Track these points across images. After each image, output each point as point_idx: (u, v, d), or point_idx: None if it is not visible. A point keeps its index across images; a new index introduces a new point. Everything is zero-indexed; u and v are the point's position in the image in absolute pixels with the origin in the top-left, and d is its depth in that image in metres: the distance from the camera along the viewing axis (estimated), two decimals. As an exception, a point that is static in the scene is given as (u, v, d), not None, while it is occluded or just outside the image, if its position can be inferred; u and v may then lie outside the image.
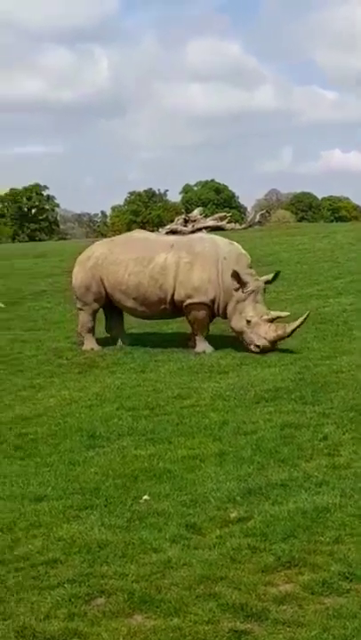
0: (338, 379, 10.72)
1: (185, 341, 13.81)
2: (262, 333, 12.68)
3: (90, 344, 14.00)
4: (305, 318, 12.82)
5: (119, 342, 14.06)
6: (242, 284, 12.77)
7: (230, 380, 11.14)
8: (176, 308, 13.41)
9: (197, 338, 13.34)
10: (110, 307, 14.10)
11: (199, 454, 8.02)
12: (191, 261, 13.18)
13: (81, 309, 14.16)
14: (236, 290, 12.82)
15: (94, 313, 14.08)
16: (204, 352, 13.08)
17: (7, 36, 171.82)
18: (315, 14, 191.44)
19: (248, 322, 12.73)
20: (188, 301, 13.15)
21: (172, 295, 13.23)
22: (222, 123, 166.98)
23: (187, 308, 13.23)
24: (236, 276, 12.75)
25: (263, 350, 12.58)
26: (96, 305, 13.99)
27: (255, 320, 12.71)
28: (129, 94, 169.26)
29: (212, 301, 13.13)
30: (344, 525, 6.16)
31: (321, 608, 5.03)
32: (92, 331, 14.11)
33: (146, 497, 6.96)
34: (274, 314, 12.95)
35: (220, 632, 4.81)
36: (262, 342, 12.65)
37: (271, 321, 12.78)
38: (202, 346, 13.26)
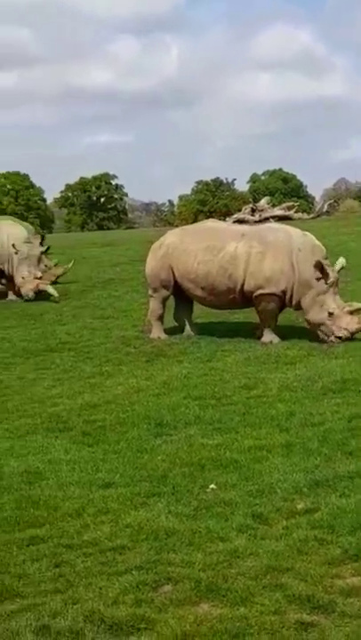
0: None
1: (252, 331, 13.79)
2: (344, 325, 12.66)
3: (157, 332, 14.08)
4: None
5: (186, 331, 14.10)
6: (325, 275, 12.69)
7: (297, 370, 11.09)
8: (245, 298, 13.38)
9: (265, 328, 13.30)
10: (179, 295, 14.15)
11: (266, 445, 8.01)
12: (263, 251, 13.11)
13: (151, 296, 14.27)
14: (318, 280, 12.73)
15: (164, 300, 14.15)
16: (271, 342, 13.04)
17: (78, 26, 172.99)
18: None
19: (330, 314, 12.67)
20: (259, 292, 13.09)
21: (242, 285, 13.19)
22: (291, 111, 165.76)
23: (257, 299, 13.18)
24: (319, 266, 12.68)
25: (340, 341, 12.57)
26: (166, 292, 14.05)
27: (337, 312, 12.68)
28: (197, 83, 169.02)
29: (284, 292, 13.05)
30: None
31: (389, 602, 4.99)
32: (160, 319, 14.18)
33: (213, 486, 6.99)
34: (356, 305, 12.94)
35: (286, 623, 4.81)
36: (344, 333, 12.64)
37: (351, 313, 12.76)
38: (269, 336, 13.22)
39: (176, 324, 14.36)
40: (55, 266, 20.62)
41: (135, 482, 7.20)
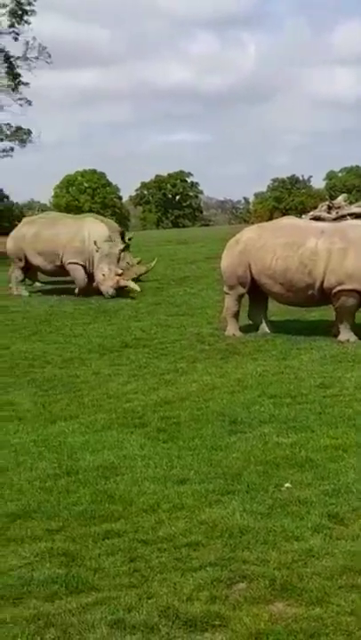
0: None
1: (328, 329, 13.66)
2: None
3: (232, 329, 14.05)
4: None
5: (261, 329, 14.04)
6: None
7: (375, 370, 10.94)
8: (324, 295, 13.25)
9: (342, 326, 13.16)
10: (254, 293, 14.10)
11: (342, 444, 7.91)
12: (345, 247, 12.99)
13: (227, 293, 14.25)
14: None
15: (240, 298, 14.12)
16: (348, 341, 12.90)
17: (156, 24, 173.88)
18: None
19: None
20: (339, 288, 12.96)
21: (322, 281, 13.07)
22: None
23: (336, 295, 13.04)
24: None
25: None
26: (242, 289, 14.02)
27: None
28: (274, 80, 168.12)
29: None
30: None
31: None
32: (236, 316, 14.16)
33: (288, 485, 6.93)
34: None
35: (362, 624, 4.75)
36: None
37: None
38: (346, 334, 13.07)
39: (251, 321, 14.31)
40: (138, 264, 20.71)
41: (210, 479, 7.19)
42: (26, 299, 20.18)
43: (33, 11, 37.28)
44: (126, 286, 18.92)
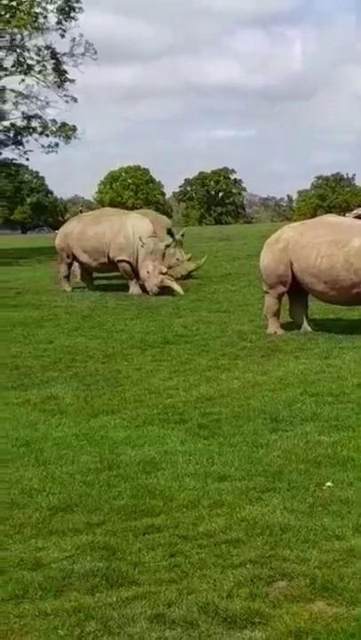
0: None
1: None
2: None
3: (274, 328, 14.01)
4: None
5: (303, 327, 13.97)
6: None
7: None
8: None
9: None
10: (294, 291, 14.03)
11: (385, 444, 7.85)
12: None
13: (267, 292, 14.19)
14: None
15: (280, 296, 14.07)
16: None
17: (203, 21, 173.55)
18: None
19: None
20: None
21: None
22: None
23: None
24: None
25: None
26: (282, 288, 13.96)
27: None
28: (321, 78, 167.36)
29: None
30: None
31: None
32: (277, 314, 14.11)
33: (329, 484, 6.89)
34: None
35: None
36: None
37: None
38: None
39: (292, 320, 14.25)
40: (188, 260, 20.67)
41: (250, 476, 7.18)
42: (69, 294, 20.31)
43: (80, 8, 37.45)
44: (169, 287, 18.86)
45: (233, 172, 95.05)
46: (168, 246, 19.59)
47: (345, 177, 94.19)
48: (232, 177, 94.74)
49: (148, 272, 18.94)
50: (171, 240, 19.85)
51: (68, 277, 21.17)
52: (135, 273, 19.57)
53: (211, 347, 13.16)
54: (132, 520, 6.33)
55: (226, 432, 8.52)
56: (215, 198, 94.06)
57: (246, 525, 6.13)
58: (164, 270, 19.03)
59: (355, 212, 37.01)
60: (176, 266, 20.33)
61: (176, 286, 18.71)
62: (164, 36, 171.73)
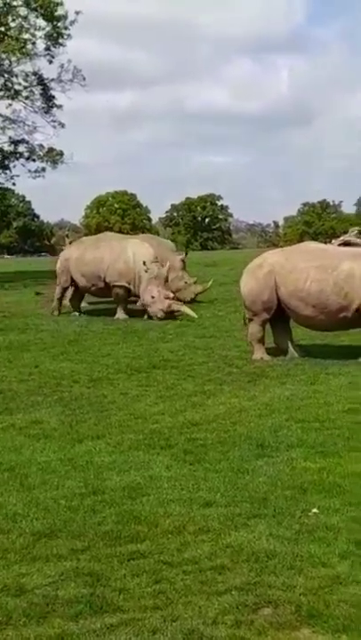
0: None
1: (356, 355, 13.60)
2: None
3: (259, 353, 14.02)
4: None
5: (290, 353, 13.99)
6: None
7: None
8: (357, 318, 13.31)
9: None
10: (277, 318, 14.07)
11: (370, 471, 7.84)
12: None
13: (250, 319, 14.20)
14: None
15: (264, 323, 14.10)
16: None
17: (194, 47, 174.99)
18: None
19: None
20: None
21: (359, 304, 13.14)
22: None
23: None
24: None
25: None
26: (265, 315, 14.00)
27: None
28: (312, 104, 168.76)
29: None
30: None
31: None
32: (261, 340, 14.13)
33: (315, 510, 6.87)
34: None
35: (389, 654, 4.68)
36: None
37: None
38: None
39: (277, 346, 14.26)
40: (195, 283, 20.68)
41: (236, 502, 7.15)
42: (55, 318, 20.29)
43: (69, 34, 37.65)
44: (178, 311, 18.82)
45: (219, 197, 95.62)
46: (183, 261, 19.73)
47: (331, 204, 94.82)
48: (218, 203, 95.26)
49: (153, 297, 18.88)
50: (185, 255, 20.11)
51: (61, 301, 21.15)
52: (124, 299, 19.64)
53: (197, 372, 13.14)
54: (117, 546, 6.29)
55: (211, 458, 8.50)
56: (202, 224, 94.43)
57: (232, 552, 6.10)
58: (171, 295, 19.04)
59: (341, 238, 37.17)
60: (183, 289, 20.36)
61: (187, 310, 18.71)
62: (157, 62, 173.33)
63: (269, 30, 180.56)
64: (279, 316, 14.00)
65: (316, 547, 6.11)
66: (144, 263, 18.95)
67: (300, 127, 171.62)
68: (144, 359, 14.28)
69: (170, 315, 18.75)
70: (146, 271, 18.94)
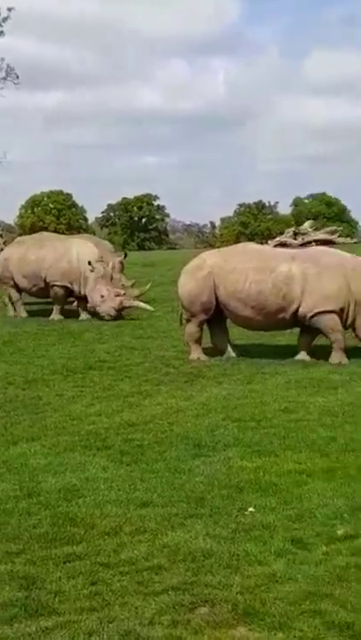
0: None
1: (294, 354, 13.73)
2: None
3: (196, 354, 14.04)
4: None
5: (227, 353, 14.05)
6: None
7: (339, 395, 10.99)
8: (294, 319, 13.49)
9: (335, 347, 13.43)
10: (215, 318, 14.12)
11: (306, 469, 7.91)
12: (320, 272, 13.42)
13: (188, 320, 14.21)
14: None
15: (201, 323, 14.13)
16: (340, 364, 13.09)
17: (126, 48, 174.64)
18: None
19: None
20: (317, 310, 13.20)
21: (298, 305, 13.32)
22: (338, 136, 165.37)
23: (313, 318, 13.30)
24: None
25: None
26: (203, 316, 14.03)
27: None
28: (247, 106, 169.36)
29: (341, 310, 13.29)
30: None
31: None
32: (198, 341, 14.16)
33: (251, 509, 6.90)
34: None
35: (325, 650, 4.72)
36: None
37: None
38: (338, 356, 13.33)
39: (215, 346, 14.31)
40: (132, 286, 20.57)
41: (173, 502, 7.14)
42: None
43: (1, 32, 37.23)
44: (131, 306, 18.85)
45: (156, 197, 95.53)
46: (122, 263, 19.65)
47: (267, 204, 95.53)
48: (155, 203, 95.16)
49: (102, 296, 18.77)
50: (124, 255, 20.05)
51: (20, 301, 20.74)
52: (78, 298, 19.48)
53: (134, 372, 13.11)
54: (53, 548, 6.23)
55: (148, 458, 8.48)
56: (138, 224, 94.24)
57: (169, 552, 6.09)
58: (122, 292, 18.99)
59: (277, 239, 37.53)
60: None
61: (141, 304, 18.76)
62: (91, 62, 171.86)
63: (203, 31, 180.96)
64: (216, 316, 14.06)
65: (253, 545, 6.14)
66: (89, 263, 18.84)
67: (235, 128, 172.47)
68: (80, 360, 14.19)
69: (120, 313, 18.74)
70: (92, 271, 18.84)
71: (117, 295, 18.79)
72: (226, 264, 13.88)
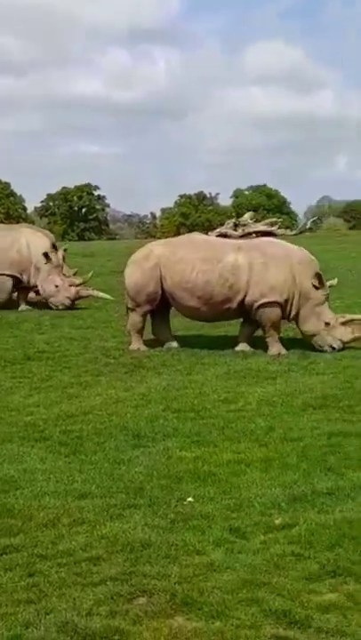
0: (387, 389, 10.61)
1: (233, 345, 13.80)
2: (338, 335, 13.23)
3: (137, 344, 14.02)
4: None
5: (167, 344, 14.06)
6: (322, 285, 13.22)
7: (278, 385, 11.08)
8: (240, 310, 13.56)
9: (270, 339, 13.46)
10: (158, 309, 14.12)
11: (244, 459, 7.97)
12: (266, 262, 13.48)
13: (132, 310, 14.18)
14: (317, 290, 13.21)
15: (145, 314, 14.12)
16: (278, 354, 13.16)
17: (68, 35, 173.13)
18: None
19: (327, 324, 13.22)
20: (263, 300, 13.33)
21: (244, 295, 13.36)
22: (279, 127, 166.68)
23: (258, 309, 13.35)
24: (319, 277, 13.24)
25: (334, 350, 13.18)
26: (148, 306, 14.02)
27: (333, 323, 13.23)
28: (188, 97, 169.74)
29: (286, 302, 13.34)
30: (391, 537, 6.06)
31: (365, 619, 4.95)
32: (141, 331, 14.14)
33: (190, 499, 6.93)
34: (349, 317, 13.60)
35: (262, 637, 4.77)
36: (338, 344, 13.21)
37: (345, 324, 13.29)
38: (276, 348, 13.41)
39: (156, 337, 14.32)
40: (74, 275, 20.37)
41: (112, 493, 7.13)
42: None
43: None
44: (89, 296, 18.75)
45: (96, 187, 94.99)
46: (63, 257, 19.44)
47: (208, 196, 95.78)
48: (95, 193, 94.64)
49: (57, 286, 18.65)
50: (65, 249, 19.86)
51: None
52: (27, 288, 19.22)
53: (73, 363, 13.03)
54: (-10, 540, 6.16)
55: (87, 449, 8.45)
56: (78, 214, 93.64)
57: (107, 543, 6.08)
58: (77, 282, 18.90)
59: (217, 230, 37.66)
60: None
61: (98, 292, 18.71)
62: (32, 50, 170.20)
63: (146, 21, 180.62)
64: (160, 307, 14.06)
65: (191, 535, 6.17)
66: (46, 254, 18.64)
67: (176, 119, 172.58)
68: (18, 350, 14.04)
69: (74, 303, 18.67)
70: (47, 262, 18.66)
71: (72, 285, 18.75)
72: (173, 254, 13.87)
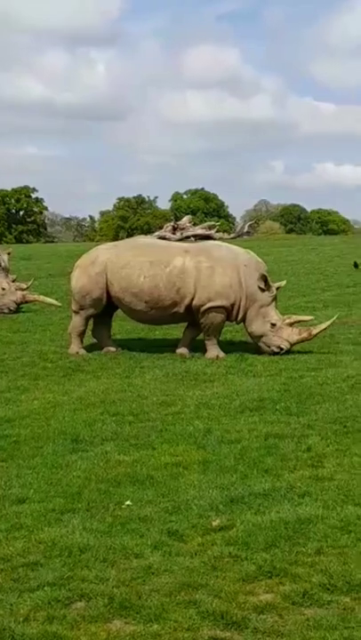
0: (323, 391, 10.76)
1: (172, 348, 13.83)
2: (285, 336, 13.29)
3: (76, 348, 13.97)
4: (331, 323, 13.56)
5: (106, 348, 14.03)
6: (268, 287, 13.29)
7: (216, 388, 11.15)
8: (187, 313, 13.56)
9: (210, 343, 13.50)
10: (101, 313, 14.08)
11: (182, 462, 8.00)
12: (212, 266, 13.49)
13: (76, 312, 14.12)
14: (263, 292, 13.27)
15: (88, 318, 14.08)
16: (217, 357, 13.21)
17: (8, 36, 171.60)
18: (315, 27, 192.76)
19: (273, 325, 13.28)
20: (209, 305, 13.34)
21: (192, 299, 13.39)
22: (217, 131, 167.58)
23: (205, 312, 13.38)
24: (264, 279, 13.29)
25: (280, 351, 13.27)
26: (92, 310, 13.98)
27: (279, 324, 13.29)
28: (127, 100, 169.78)
29: (232, 305, 13.38)
30: (326, 537, 6.15)
31: (301, 619, 5.02)
32: (81, 335, 14.10)
33: (128, 502, 6.93)
34: (295, 318, 13.75)
35: (199, 639, 4.80)
36: (285, 345, 13.26)
37: (291, 324, 13.40)
38: (215, 351, 13.41)
39: (95, 340, 14.28)
40: (14, 281, 20.18)
41: (50, 497, 7.10)
42: None
43: None
44: (35, 301, 18.57)
45: (34, 190, 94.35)
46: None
47: (146, 199, 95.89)
48: (33, 195, 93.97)
49: (3, 289, 18.49)
50: (9, 253, 19.73)
51: None
52: None
53: (10, 367, 12.93)
54: None
55: (25, 454, 8.39)
56: (16, 216, 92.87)
57: (45, 547, 6.05)
58: (24, 286, 18.76)
59: (156, 233, 37.74)
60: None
61: (46, 298, 18.51)
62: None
63: (85, 23, 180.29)
64: (103, 311, 14.03)
65: (129, 538, 6.17)
66: None
67: (115, 121, 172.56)
68: None
69: (19, 307, 18.51)
70: None
71: (19, 289, 18.63)
72: (118, 259, 13.83)
